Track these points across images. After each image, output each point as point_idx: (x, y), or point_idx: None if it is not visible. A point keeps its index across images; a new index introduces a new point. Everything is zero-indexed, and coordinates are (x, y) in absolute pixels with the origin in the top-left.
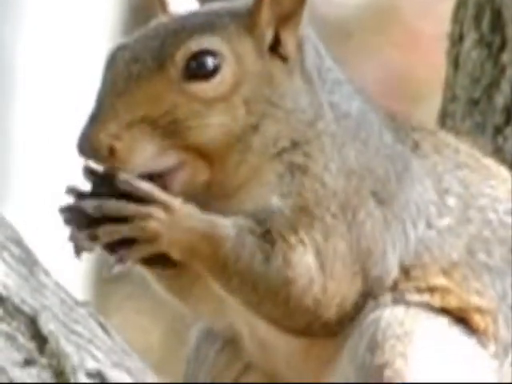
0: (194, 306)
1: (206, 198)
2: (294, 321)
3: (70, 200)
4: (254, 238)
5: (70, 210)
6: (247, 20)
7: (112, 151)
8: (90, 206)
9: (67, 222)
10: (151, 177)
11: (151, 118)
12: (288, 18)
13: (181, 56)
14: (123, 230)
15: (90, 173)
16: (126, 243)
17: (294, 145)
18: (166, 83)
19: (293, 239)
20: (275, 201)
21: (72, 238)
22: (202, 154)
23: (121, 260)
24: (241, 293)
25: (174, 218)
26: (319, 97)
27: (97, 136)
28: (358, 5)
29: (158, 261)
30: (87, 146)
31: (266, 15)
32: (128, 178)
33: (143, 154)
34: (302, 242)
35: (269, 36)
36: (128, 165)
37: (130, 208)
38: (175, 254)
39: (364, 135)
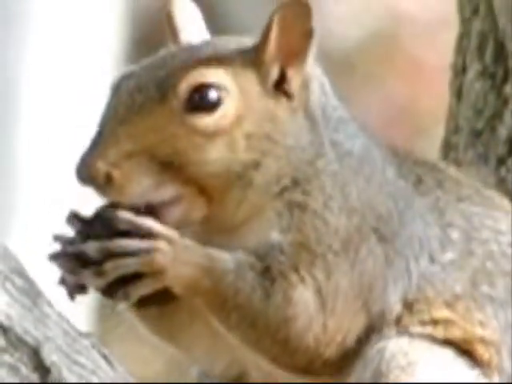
0: (187, 347)
1: (202, 232)
2: (295, 359)
3: (57, 246)
4: (254, 273)
5: (62, 256)
6: (254, 55)
7: (109, 179)
8: (91, 248)
9: (61, 266)
10: (138, 210)
11: (151, 150)
12: (294, 55)
13: (184, 87)
14: (130, 264)
15: (74, 218)
16: (128, 281)
17: (295, 183)
18: (168, 114)
19: (294, 277)
20: (275, 236)
21: (63, 281)
22: (201, 189)
23: (125, 297)
24: (239, 329)
25: (177, 251)
26: (321, 135)
27: (95, 163)
28: (359, 36)
29: (152, 300)
30: (85, 172)
31: (272, 51)
32: (127, 216)
33: (140, 185)
34: (302, 280)
35: (274, 72)
36: (124, 194)
37: (135, 243)
38: (178, 289)
39: (366, 173)
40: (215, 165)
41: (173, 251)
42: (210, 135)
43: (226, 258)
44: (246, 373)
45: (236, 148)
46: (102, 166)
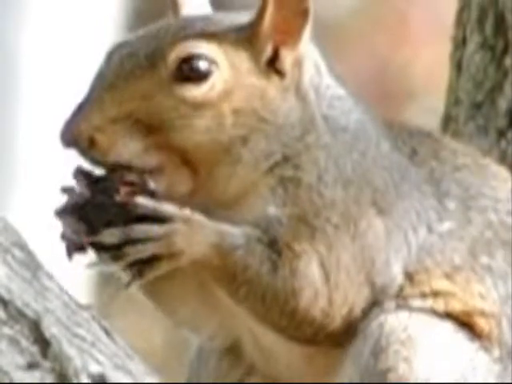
0: (175, 309)
1: (196, 206)
2: (301, 330)
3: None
4: (262, 246)
5: (66, 213)
6: (248, 32)
7: (92, 142)
8: (112, 236)
9: (64, 224)
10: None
11: (136, 115)
12: (289, 33)
13: (173, 57)
14: (150, 248)
15: (81, 173)
16: (145, 260)
17: (285, 159)
18: (156, 82)
19: (297, 248)
20: (272, 210)
21: (64, 237)
22: (186, 159)
23: (139, 276)
24: (248, 302)
25: (194, 232)
26: (312, 112)
27: (79, 126)
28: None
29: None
30: (68, 135)
31: (266, 29)
32: (144, 201)
33: (123, 150)
34: (305, 251)
35: (268, 50)
36: (107, 157)
37: (155, 228)
38: (186, 265)
39: (361, 147)
40: (201, 136)
41: (190, 231)
42: (198, 106)
43: (235, 233)
44: (239, 341)
45: (223, 122)
46: (85, 130)
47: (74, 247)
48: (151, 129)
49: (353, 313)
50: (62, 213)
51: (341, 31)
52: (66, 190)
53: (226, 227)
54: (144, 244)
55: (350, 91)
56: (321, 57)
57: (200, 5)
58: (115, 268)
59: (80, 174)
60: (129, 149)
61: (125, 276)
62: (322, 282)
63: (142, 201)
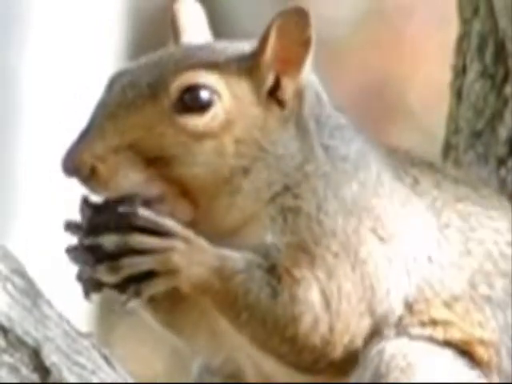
0: (190, 340)
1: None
2: (301, 357)
3: (72, 238)
4: (262, 272)
5: (78, 248)
6: (250, 62)
7: (94, 172)
8: (110, 242)
9: (76, 260)
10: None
11: (138, 146)
12: (291, 63)
13: (175, 87)
14: (147, 262)
15: (86, 204)
16: (142, 277)
17: (286, 189)
18: (158, 112)
19: (297, 274)
20: (269, 238)
21: (80, 277)
22: (186, 190)
23: (137, 294)
24: (249, 328)
25: (193, 252)
26: (311, 142)
27: (81, 155)
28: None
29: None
30: (70, 163)
31: (268, 59)
32: (147, 213)
33: (124, 180)
34: (305, 278)
35: (269, 80)
36: (108, 188)
37: (154, 241)
38: (187, 288)
39: (362, 176)
40: (202, 167)
41: (189, 251)
42: (199, 136)
43: (236, 258)
44: (241, 370)
45: (224, 152)
46: (87, 159)
47: (92, 286)
48: (152, 159)
49: (354, 341)
50: (74, 252)
51: (337, 48)
52: (69, 225)
53: (227, 252)
54: (141, 257)
55: (349, 120)
56: (320, 86)
57: (201, 32)
58: (113, 283)
59: (86, 205)
60: (129, 180)
61: (123, 298)
62: (323, 309)
63: (144, 212)
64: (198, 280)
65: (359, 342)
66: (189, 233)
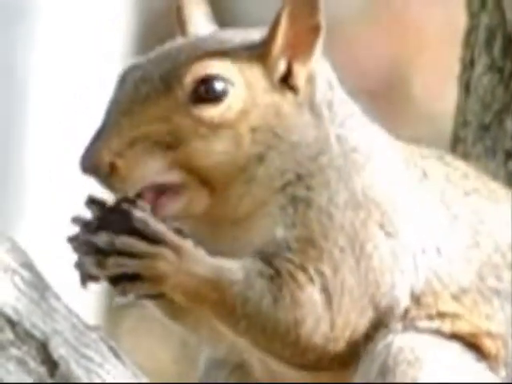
0: (193, 331)
1: (208, 222)
2: (304, 358)
3: (76, 229)
4: (262, 280)
5: (78, 240)
6: (261, 49)
7: (113, 168)
8: (101, 240)
9: (76, 250)
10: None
11: (155, 137)
12: (302, 49)
13: (189, 79)
14: (132, 265)
15: (92, 202)
16: (130, 278)
17: (298, 178)
18: (173, 105)
19: (302, 278)
20: (280, 232)
21: (78, 265)
22: (204, 179)
23: (123, 293)
24: (249, 335)
25: (183, 262)
26: (326, 130)
27: (99, 153)
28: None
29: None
30: (89, 162)
31: (279, 45)
32: (143, 216)
33: (144, 171)
34: (311, 279)
35: (281, 67)
36: (128, 183)
37: (141, 246)
38: (178, 297)
39: (372, 168)
40: (219, 157)
41: (178, 262)
42: (215, 127)
43: (234, 268)
44: (247, 363)
45: (241, 142)
46: (105, 156)
47: (89, 276)
48: (170, 148)
49: (355, 335)
50: (74, 241)
51: (342, 32)
52: (75, 220)
53: (224, 262)
54: (127, 259)
55: (360, 107)
56: (332, 72)
57: (206, 23)
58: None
59: (92, 202)
60: (149, 168)
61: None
62: (324, 307)
63: (139, 214)
64: (189, 290)
65: (361, 336)
66: (184, 243)
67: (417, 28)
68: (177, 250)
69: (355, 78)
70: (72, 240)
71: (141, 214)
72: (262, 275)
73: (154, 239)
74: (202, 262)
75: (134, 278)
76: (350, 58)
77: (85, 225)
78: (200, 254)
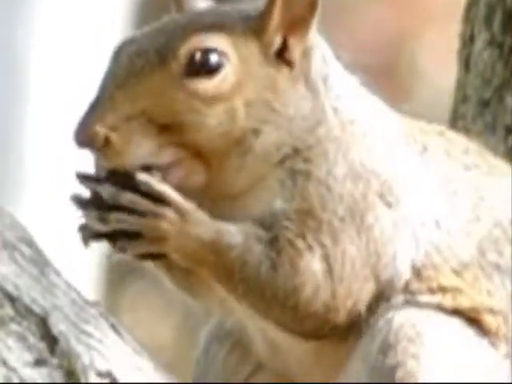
0: (204, 302)
1: (205, 198)
2: (304, 325)
3: (81, 188)
4: (260, 245)
5: (79, 197)
6: (257, 23)
7: (107, 142)
8: (106, 191)
9: (77, 206)
10: (148, 168)
11: (150, 113)
12: (297, 24)
13: (184, 52)
14: (134, 223)
15: (83, 177)
16: (131, 235)
17: (296, 152)
18: (167, 78)
19: (301, 245)
20: (279, 204)
21: (81, 227)
22: (199, 153)
23: (122, 251)
24: (248, 299)
25: (185, 224)
26: (322, 103)
27: (93, 126)
28: None
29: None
30: (83, 135)
31: (275, 20)
32: (146, 178)
33: (138, 149)
34: (309, 247)
35: (277, 41)
36: (122, 157)
37: (145, 204)
38: (177, 259)
39: (370, 140)
40: (214, 130)
41: (180, 223)
42: (210, 100)
43: (233, 232)
44: (249, 336)
45: (235, 115)
46: (100, 129)
47: (89, 234)
48: (165, 126)
49: (357, 306)
50: (78, 199)
51: (347, 8)
52: (79, 176)
53: (225, 225)
54: (130, 216)
55: (359, 80)
56: (328, 46)
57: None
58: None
59: (83, 177)
60: (142, 148)
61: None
62: (325, 276)
63: (142, 176)
64: (188, 251)
65: (363, 307)
66: (187, 205)
67: (423, 2)
68: (180, 211)
69: (359, 53)
70: (75, 198)
71: (143, 175)
72: (260, 240)
73: (158, 198)
74: (203, 224)
75: (134, 235)
76: (355, 32)
77: (89, 179)
78: (202, 216)
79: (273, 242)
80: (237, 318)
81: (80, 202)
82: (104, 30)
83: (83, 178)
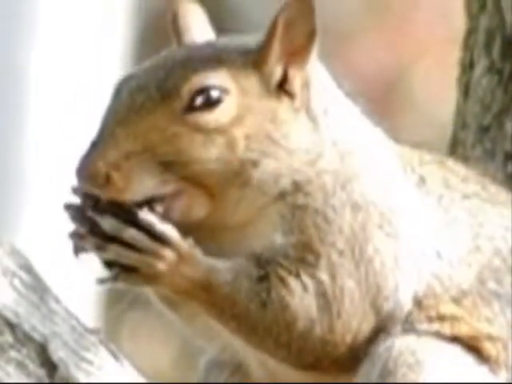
0: (188, 318)
1: (206, 228)
2: (301, 359)
3: (75, 199)
4: (250, 282)
5: (78, 211)
6: (256, 55)
7: (109, 180)
8: (107, 224)
9: (73, 220)
10: (150, 201)
11: (152, 149)
12: (297, 54)
13: (187, 90)
14: (132, 258)
15: (68, 208)
16: (126, 267)
17: (297, 186)
18: (169, 115)
19: (293, 283)
20: (279, 238)
21: (73, 235)
22: (201, 184)
23: (114, 279)
24: (240, 334)
25: (181, 265)
26: (322, 135)
27: (95, 163)
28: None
29: None
30: (85, 172)
31: (275, 52)
32: (148, 217)
33: (140, 186)
34: (304, 286)
35: (277, 72)
36: (123, 194)
37: (146, 243)
38: (171, 294)
39: (369, 171)
40: (215, 163)
41: (176, 264)
42: (210, 132)
43: (224, 270)
44: (246, 363)
45: (235, 147)
46: (101, 167)
47: (82, 248)
48: (166, 162)
49: (357, 340)
50: (74, 211)
51: (341, 33)
52: (75, 190)
53: (216, 263)
54: (129, 251)
55: (360, 109)
56: (329, 75)
57: (202, 31)
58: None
59: (70, 208)
60: (144, 185)
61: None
62: (321, 312)
63: (143, 215)
64: (180, 290)
65: (363, 340)
66: (185, 245)
67: (417, 33)
68: (178, 251)
69: (356, 83)
70: (70, 208)
71: (145, 213)
72: (250, 277)
73: (159, 237)
74: (197, 264)
75: (129, 268)
76: (351, 62)
77: (90, 198)
78: (197, 255)
79: (263, 280)
80: (224, 342)
81: (75, 216)
82: (104, 30)
83: (75, 210)
